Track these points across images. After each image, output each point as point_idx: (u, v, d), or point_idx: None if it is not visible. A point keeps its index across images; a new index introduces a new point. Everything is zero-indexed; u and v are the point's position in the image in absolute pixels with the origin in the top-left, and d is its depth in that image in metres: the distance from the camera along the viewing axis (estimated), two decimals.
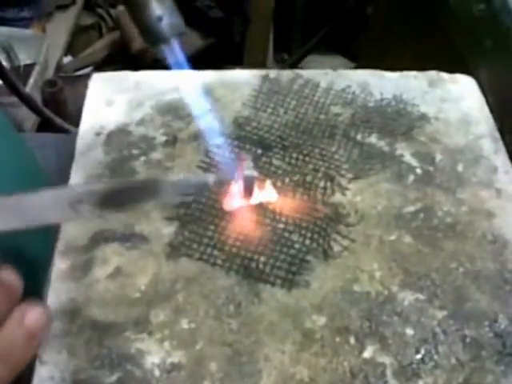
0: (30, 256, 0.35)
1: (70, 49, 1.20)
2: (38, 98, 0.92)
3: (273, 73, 0.47)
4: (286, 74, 0.47)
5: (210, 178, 0.31)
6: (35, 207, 0.26)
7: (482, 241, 0.37)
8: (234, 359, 0.31)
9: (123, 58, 1.18)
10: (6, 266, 0.26)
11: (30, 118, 0.93)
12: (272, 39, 1.28)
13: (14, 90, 0.73)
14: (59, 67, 1.10)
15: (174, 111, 0.44)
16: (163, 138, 0.42)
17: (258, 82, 0.46)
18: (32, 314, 0.25)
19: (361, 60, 1.08)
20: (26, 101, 0.75)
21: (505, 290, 0.35)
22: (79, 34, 1.23)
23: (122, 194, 0.27)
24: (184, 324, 0.32)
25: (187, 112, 0.44)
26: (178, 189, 0.30)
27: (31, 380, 0.30)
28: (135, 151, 0.42)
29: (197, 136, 0.42)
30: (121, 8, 1.22)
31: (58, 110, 0.89)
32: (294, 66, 1.33)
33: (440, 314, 0.34)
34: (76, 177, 0.40)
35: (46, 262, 0.35)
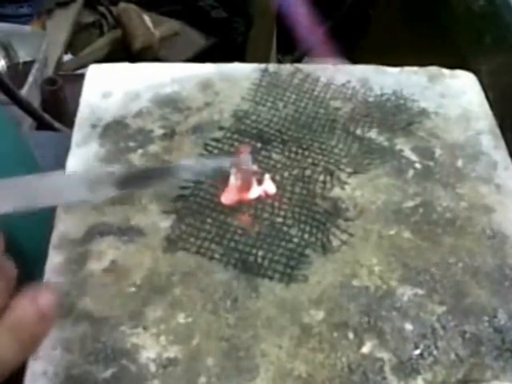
0: (23, 249, 0.34)
1: (70, 47, 1.19)
2: (37, 95, 0.91)
3: (272, 67, 0.47)
4: (286, 68, 0.47)
5: (226, 163, 0.32)
6: (53, 187, 0.26)
7: (481, 236, 0.37)
8: (231, 354, 0.31)
9: (124, 57, 1.17)
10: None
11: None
12: (275, 41, 1.27)
13: (11, 95, 0.72)
14: (59, 65, 1.09)
15: (172, 104, 0.44)
16: (161, 131, 0.42)
17: (257, 76, 0.46)
18: (44, 295, 0.25)
19: (362, 61, 1.07)
20: (25, 107, 0.75)
21: (504, 286, 0.35)
22: (80, 31, 1.22)
23: (139, 177, 0.28)
24: (180, 318, 0.32)
25: (185, 105, 0.44)
26: (194, 171, 0.31)
27: (24, 375, 0.29)
28: (132, 144, 0.41)
29: (195, 129, 0.42)
30: (122, 6, 1.22)
31: (58, 108, 0.88)
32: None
33: (439, 310, 0.33)
34: (71, 168, 0.39)
35: (40, 255, 0.35)
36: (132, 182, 0.28)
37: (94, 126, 0.42)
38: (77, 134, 0.41)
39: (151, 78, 0.45)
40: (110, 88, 0.44)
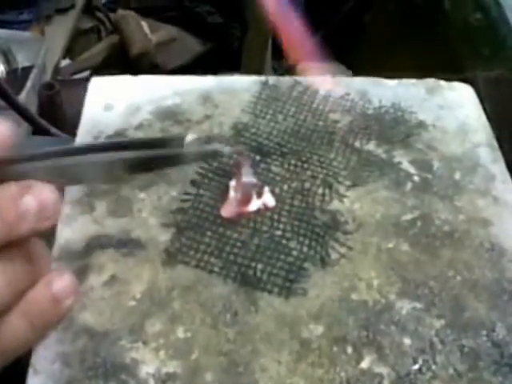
0: None
1: (68, 52, 1.20)
2: (35, 100, 0.92)
3: (272, 79, 0.47)
4: (285, 81, 0.47)
5: (225, 149, 0.33)
6: (73, 168, 0.28)
7: (479, 249, 0.37)
8: (230, 369, 0.31)
9: (121, 62, 1.18)
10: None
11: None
12: (270, 47, 1.28)
13: (8, 100, 0.72)
14: (57, 70, 1.09)
15: (173, 117, 0.44)
16: None
17: (257, 89, 0.46)
18: (60, 281, 0.26)
19: (358, 67, 1.08)
20: (22, 112, 0.75)
21: (502, 299, 0.35)
22: (78, 37, 1.23)
23: (149, 161, 0.30)
24: (180, 333, 0.32)
25: (186, 117, 0.44)
26: (198, 157, 0.33)
27: None
28: None
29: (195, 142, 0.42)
30: (120, 12, 1.23)
31: (55, 113, 0.89)
32: (289, 70, 1.33)
33: (438, 323, 0.33)
34: None
35: None
36: (142, 168, 0.30)
37: (95, 139, 0.42)
38: None
39: (152, 90, 0.46)
40: (111, 100, 0.45)
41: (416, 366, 0.31)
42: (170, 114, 0.44)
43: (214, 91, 0.46)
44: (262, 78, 0.47)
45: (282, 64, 1.35)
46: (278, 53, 1.32)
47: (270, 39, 1.26)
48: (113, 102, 0.45)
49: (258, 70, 1.24)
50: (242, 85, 0.46)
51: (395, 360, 0.32)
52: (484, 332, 0.33)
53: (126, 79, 0.47)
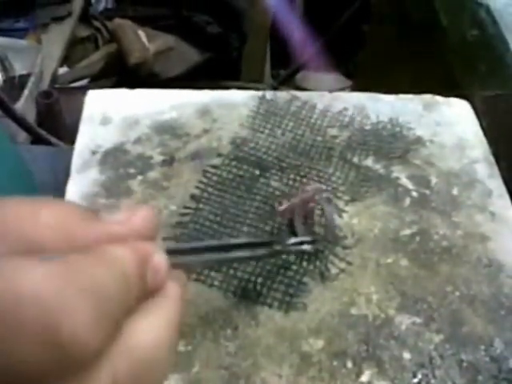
0: None
1: (66, 60, 1.20)
2: (33, 108, 0.92)
3: (269, 94, 0.48)
4: (283, 96, 0.47)
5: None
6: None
7: (477, 264, 0.38)
8: (231, 383, 0.31)
9: (119, 71, 1.18)
10: None
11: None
12: (269, 55, 1.29)
13: (6, 110, 0.72)
14: (55, 78, 1.10)
15: (171, 130, 0.44)
16: (160, 158, 0.42)
17: (255, 103, 0.46)
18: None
19: (357, 78, 1.09)
20: (19, 121, 0.75)
21: (500, 314, 0.35)
22: (75, 45, 1.23)
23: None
24: (181, 346, 0.32)
25: (184, 131, 0.44)
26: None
27: None
28: (132, 170, 0.41)
29: (194, 156, 0.43)
30: (117, 21, 1.23)
31: (53, 121, 0.89)
32: (288, 79, 1.34)
33: (437, 338, 0.34)
34: (71, 194, 0.39)
35: None
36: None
37: (93, 153, 0.42)
38: (77, 161, 0.42)
39: (150, 104, 0.46)
40: (109, 114, 0.45)
41: (415, 380, 0.32)
42: (168, 128, 0.44)
43: (211, 105, 0.46)
44: (260, 92, 0.48)
45: (282, 72, 1.37)
46: (278, 61, 1.34)
47: (269, 48, 1.28)
48: (110, 116, 0.45)
49: (257, 79, 1.25)
50: (240, 99, 0.47)
51: (395, 374, 0.32)
52: (482, 347, 0.33)
53: (123, 92, 0.47)
